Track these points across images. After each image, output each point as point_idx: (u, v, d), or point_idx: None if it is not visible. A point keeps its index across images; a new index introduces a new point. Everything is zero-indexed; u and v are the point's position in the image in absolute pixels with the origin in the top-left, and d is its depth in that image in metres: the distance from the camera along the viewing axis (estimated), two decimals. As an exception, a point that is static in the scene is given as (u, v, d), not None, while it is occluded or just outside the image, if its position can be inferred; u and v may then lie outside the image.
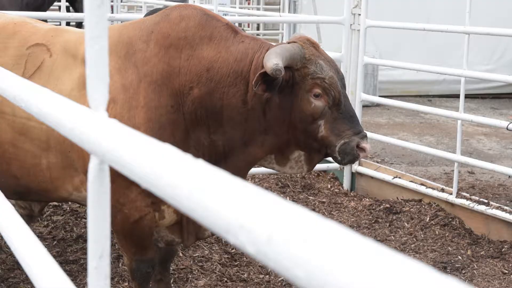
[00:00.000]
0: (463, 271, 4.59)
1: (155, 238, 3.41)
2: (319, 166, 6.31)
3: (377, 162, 6.63)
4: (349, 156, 3.16)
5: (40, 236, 4.71)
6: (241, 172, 3.25)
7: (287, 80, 3.10)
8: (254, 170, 5.09)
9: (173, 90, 3.15)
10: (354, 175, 6.13)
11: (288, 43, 3.24)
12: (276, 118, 3.16)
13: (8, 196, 3.61)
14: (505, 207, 5.11)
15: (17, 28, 3.48)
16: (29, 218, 4.01)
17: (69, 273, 4.22)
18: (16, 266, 4.24)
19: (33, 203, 3.86)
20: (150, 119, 3.12)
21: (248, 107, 3.15)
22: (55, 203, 5.06)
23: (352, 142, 3.14)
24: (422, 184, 5.65)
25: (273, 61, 2.94)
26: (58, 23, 9.30)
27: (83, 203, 3.50)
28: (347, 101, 3.22)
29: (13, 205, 3.83)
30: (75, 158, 3.21)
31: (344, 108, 3.17)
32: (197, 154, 3.16)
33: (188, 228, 3.34)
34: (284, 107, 3.14)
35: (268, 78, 2.99)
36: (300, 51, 3.11)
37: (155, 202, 3.16)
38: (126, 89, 3.16)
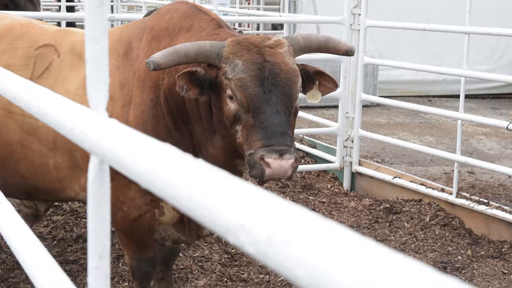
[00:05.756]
0: (463, 271, 4.59)
1: (162, 237, 3.40)
2: (319, 166, 6.32)
3: (377, 162, 6.63)
4: (254, 169, 2.74)
5: (40, 236, 4.71)
6: None
7: (215, 77, 2.91)
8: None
9: (152, 83, 3.14)
10: (354, 175, 6.13)
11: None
12: (216, 118, 2.99)
13: (16, 195, 3.64)
14: (505, 207, 5.11)
15: (25, 29, 3.51)
16: (35, 218, 4.02)
17: (69, 273, 4.22)
18: (16, 266, 4.25)
19: (39, 202, 3.86)
20: (136, 116, 3.14)
21: (198, 103, 3.04)
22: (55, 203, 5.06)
23: (256, 154, 2.73)
24: (422, 184, 5.65)
25: (153, 55, 2.80)
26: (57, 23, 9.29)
27: None
28: (271, 109, 2.78)
29: (19, 204, 3.87)
30: (79, 158, 3.23)
31: (261, 116, 2.78)
32: (180, 149, 3.10)
33: (189, 225, 3.34)
34: (217, 106, 2.96)
35: (195, 78, 2.84)
36: (213, 49, 2.86)
37: (154, 199, 3.16)
38: (122, 87, 3.19)
